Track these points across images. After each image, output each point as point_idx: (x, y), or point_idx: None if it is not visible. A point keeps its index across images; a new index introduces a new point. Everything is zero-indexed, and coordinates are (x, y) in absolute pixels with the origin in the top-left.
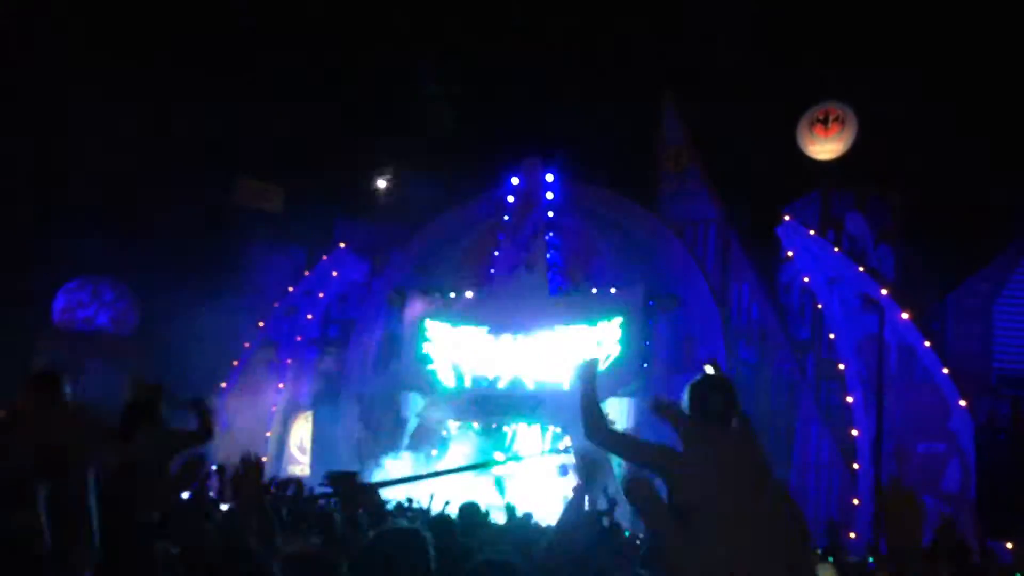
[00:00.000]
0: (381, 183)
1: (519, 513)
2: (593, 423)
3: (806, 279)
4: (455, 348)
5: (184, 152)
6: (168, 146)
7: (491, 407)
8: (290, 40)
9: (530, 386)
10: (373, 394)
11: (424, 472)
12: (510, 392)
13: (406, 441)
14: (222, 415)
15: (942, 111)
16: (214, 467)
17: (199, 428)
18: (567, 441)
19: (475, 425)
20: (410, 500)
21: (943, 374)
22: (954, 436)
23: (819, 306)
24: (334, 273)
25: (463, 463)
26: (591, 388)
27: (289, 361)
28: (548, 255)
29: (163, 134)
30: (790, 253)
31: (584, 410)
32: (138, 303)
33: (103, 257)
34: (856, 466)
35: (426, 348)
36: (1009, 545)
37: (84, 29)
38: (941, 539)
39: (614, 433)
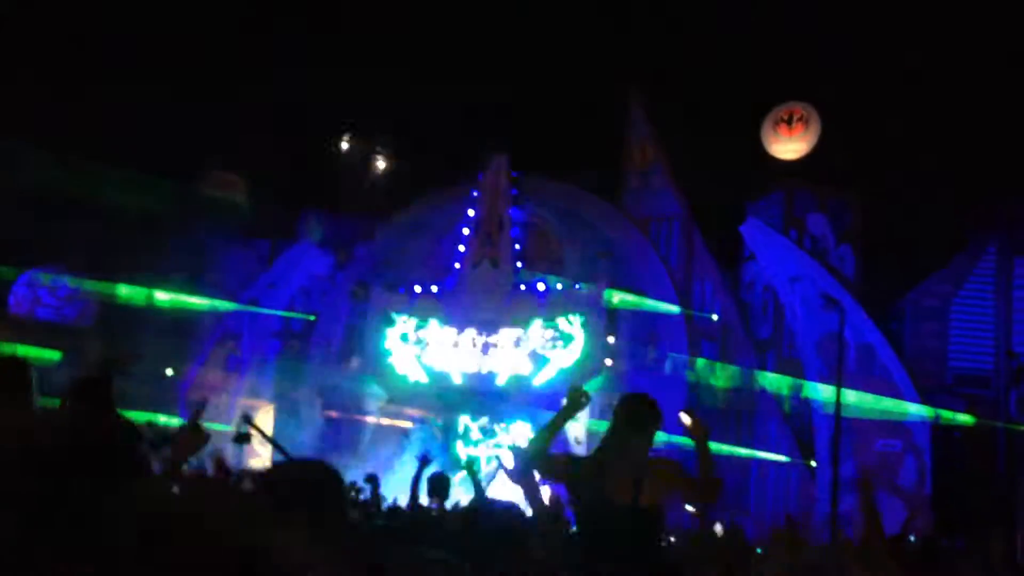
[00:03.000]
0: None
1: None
2: (540, 448)
3: (768, 277)
4: (418, 343)
5: (148, 140)
6: (132, 134)
7: (454, 402)
8: (259, 29)
9: (494, 381)
10: (335, 387)
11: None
12: (474, 387)
13: (368, 435)
14: (182, 409)
15: (904, 113)
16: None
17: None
18: None
19: (437, 420)
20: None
21: (901, 372)
22: (910, 433)
23: (780, 304)
24: (298, 266)
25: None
26: (567, 417)
27: (251, 354)
28: (513, 251)
29: (128, 121)
30: (753, 252)
31: (543, 434)
32: (96, 294)
33: (61, 246)
34: (814, 463)
35: (389, 342)
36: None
37: (60, 15)
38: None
39: (548, 459)
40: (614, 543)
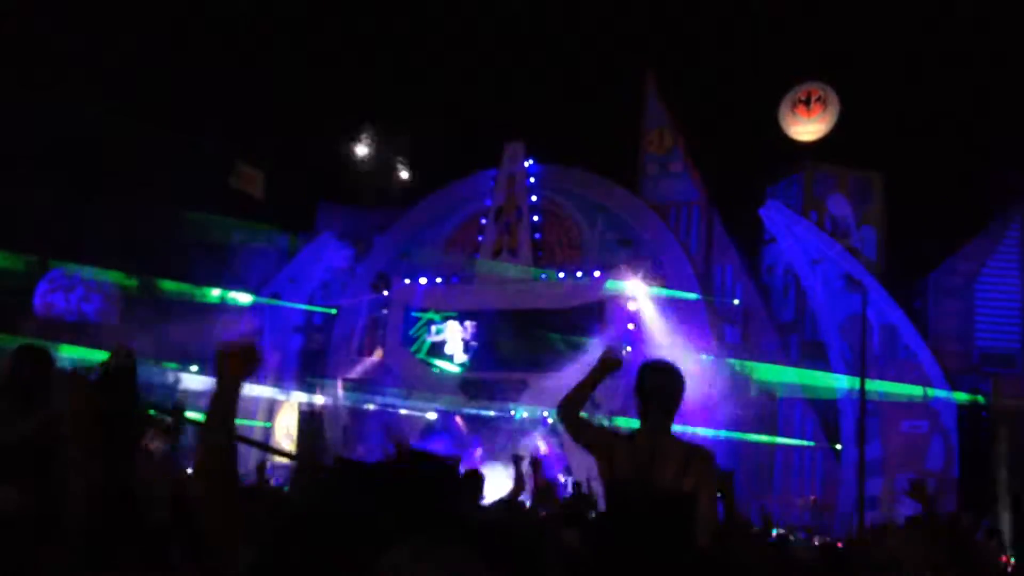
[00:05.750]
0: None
1: None
2: (573, 406)
3: (789, 260)
4: (439, 333)
5: (168, 137)
6: (152, 131)
7: (476, 392)
8: (277, 23)
9: (516, 370)
10: (358, 380)
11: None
12: (495, 377)
13: (392, 427)
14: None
15: (924, 91)
16: None
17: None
18: None
19: (461, 410)
20: None
21: (926, 353)
22: (937, 414)
23: (802, 287)
24: (318, 260)
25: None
26: (599, 378)
27: (273, 348)
28: (532, 239)
29: (145, 119)
30: (773, 235)
31: (577, 392)
32: (119, 290)
33: (84, 243)
34: (839, 446)
35: (410, 334)
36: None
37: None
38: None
39: (582, 420)
40: (653, 526)
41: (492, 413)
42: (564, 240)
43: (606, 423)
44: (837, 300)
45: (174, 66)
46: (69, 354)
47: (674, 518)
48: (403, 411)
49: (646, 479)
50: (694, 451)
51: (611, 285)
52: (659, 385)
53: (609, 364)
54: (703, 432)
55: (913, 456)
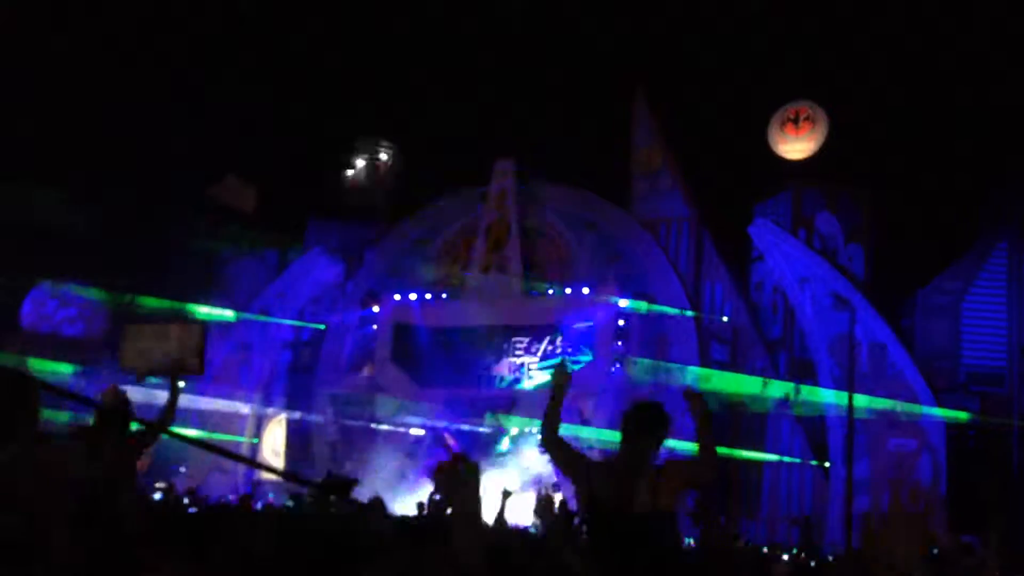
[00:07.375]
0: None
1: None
2: (551, 432)
3: (778, 278)
4: (428, 349)
5: (155, 154)
6: (140, 148)
7: (465, 407)
8: (266, 39)
9: (505, 387)
10: (347, 396)
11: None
12: (484, 392)
13: (379, 443)
14: (194, 420)
15: (911, 110)
16: (182, 469)
17: (161, 417)
18: None
19: (450, 427)
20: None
21: (913, 371)
22: (925, 432)
23: (791, 304)
24: (307, 275)
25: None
26: (560, 396)
27: (262, 364)
28: (521, 256)
29: (136, 135)
30: (762, 252)
31: (549, 413)
32: (107, 305)
33: (73, 258)
34: (827, 464)
35: (400, 349)
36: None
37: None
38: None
39: (564, 444)
40: (635, 550)
41: (482, 428)
42: (554, 256)
43: (593, 438)
44: (825, 318)
45: (167, 78)
46: (56, 369)
47: (652, 539)
48: (392, 427)
49: (624, 503)
50: (664, 466)
51: (600, 301)
52: (644, 419)
53: (561, 380)
54: (692, 447)
55: (901, 474)
